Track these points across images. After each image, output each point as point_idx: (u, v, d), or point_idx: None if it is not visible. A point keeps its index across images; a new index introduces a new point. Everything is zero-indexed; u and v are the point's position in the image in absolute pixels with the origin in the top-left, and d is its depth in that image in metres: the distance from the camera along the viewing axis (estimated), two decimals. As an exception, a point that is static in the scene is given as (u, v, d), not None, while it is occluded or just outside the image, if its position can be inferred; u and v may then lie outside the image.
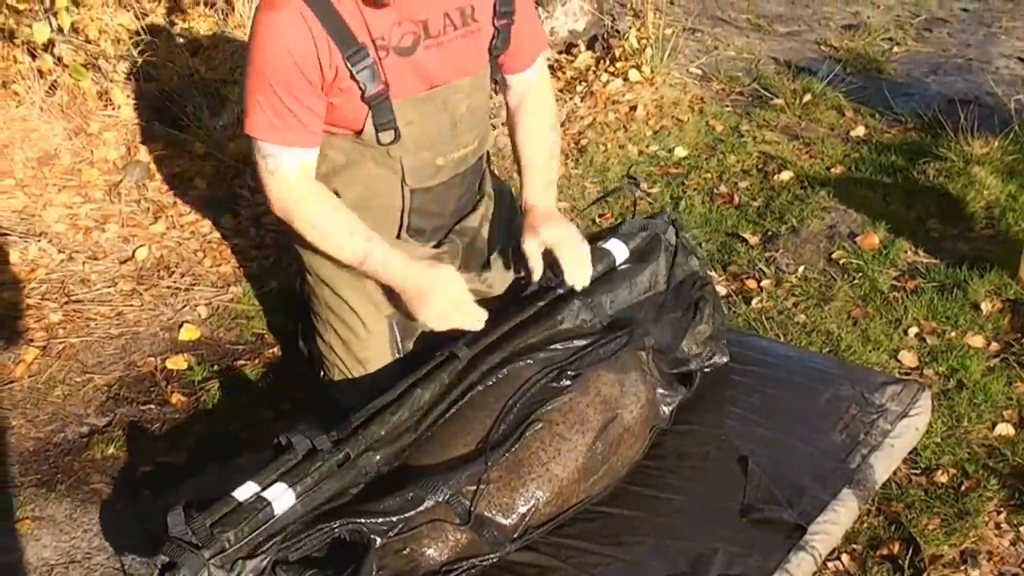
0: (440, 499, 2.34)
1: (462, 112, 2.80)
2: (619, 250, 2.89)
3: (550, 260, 2.75)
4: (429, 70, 2.68)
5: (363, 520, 2.27)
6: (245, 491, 2.26)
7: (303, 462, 2.34)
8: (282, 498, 2.26)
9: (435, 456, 2.45)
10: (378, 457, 2.41)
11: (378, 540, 2.27)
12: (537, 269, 2.75)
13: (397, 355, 2.95)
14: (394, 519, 2.30)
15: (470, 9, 2.70)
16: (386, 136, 2.68)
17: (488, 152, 3.11)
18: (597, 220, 4.22)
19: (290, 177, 2.64)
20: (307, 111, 2.57)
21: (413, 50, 2.62)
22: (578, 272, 2.71)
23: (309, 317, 3.06)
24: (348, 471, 2.37)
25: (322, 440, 2.37)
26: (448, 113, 2.77)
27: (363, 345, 2.92)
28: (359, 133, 2.68)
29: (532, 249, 2.75)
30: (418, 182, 2.82)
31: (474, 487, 2.38)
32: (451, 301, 2.65)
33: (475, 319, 2.64)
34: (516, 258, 2.98)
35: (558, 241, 2.74)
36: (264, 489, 2.27)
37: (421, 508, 2.32)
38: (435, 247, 2.99)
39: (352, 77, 2.55)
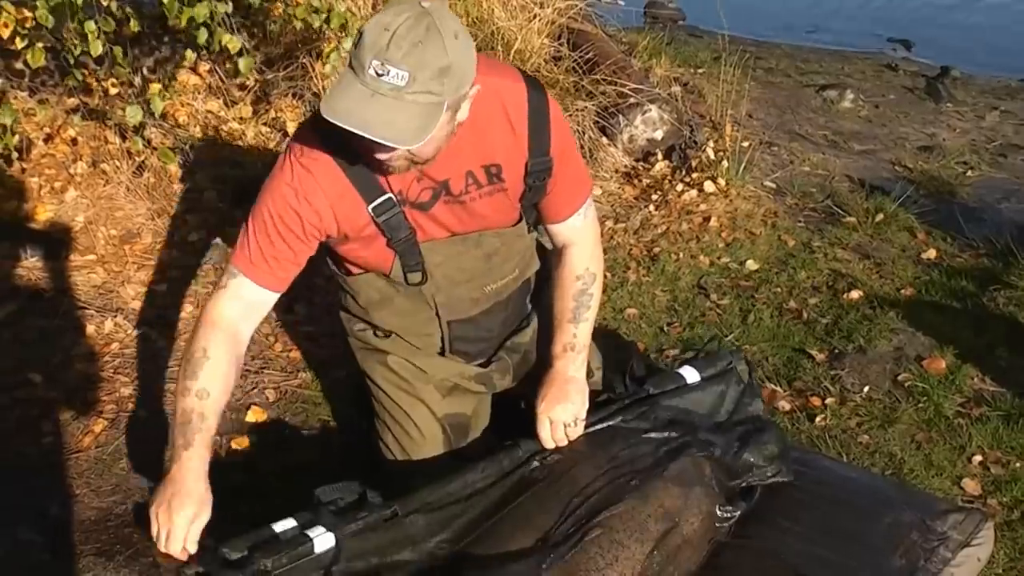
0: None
1: (498, 246, 2.79)
2: (690, 375, 2.93)
3: None
4: (449, 224, 2.66)
5: None
6: (284, 525, 2.35)
7: (350, 510, 2.40)
8: (323, 538, 2.31)
9: (492, 548, 2.46)
10: (423, 522, 2.45)
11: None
12: (543, 440, 2.71)
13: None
14: None
15: (496, 168, 2.62)
16: (414, 277, 2.70)
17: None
18: (666, 328, 4.24)
19: (229, 303, 2.55)
20: (289, 257, 2.56)
21: (431, 206, 2.60)
22: (546, 434, 2.69)
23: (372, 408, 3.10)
24: (394, 529, 2.42)
25: (373, 494, 2.44)
26: (482, 248, 2.76)
27: (418, 448, 2.94)
28: (388, 274, 2.70)
29: (534, 416, 2.73)
30: (453, 315, 2.84)
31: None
32: (186, 518, 2.35)
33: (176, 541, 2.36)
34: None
35: (550, 412, 2.71)
36: (305, 528, 2.33)
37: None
38: (483, 365, 3.01)
39: (377, 226, 2.55)
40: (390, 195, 2.52)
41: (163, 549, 2.32)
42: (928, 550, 2.75)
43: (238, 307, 2.56)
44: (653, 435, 2.76)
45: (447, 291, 2.76)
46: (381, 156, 2.32)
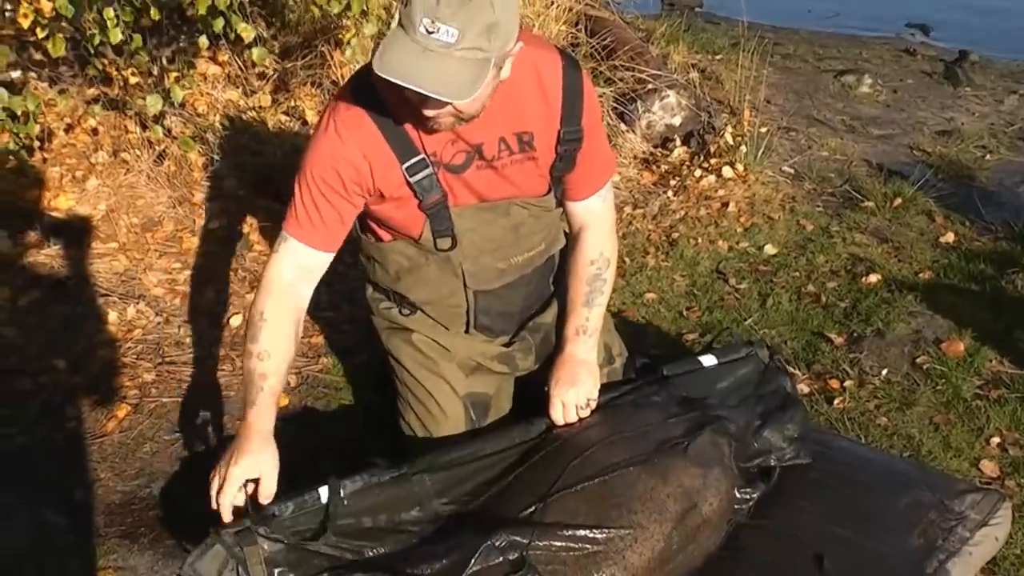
0: (498, 543, 2.38)
1: (526, 217, 2.82)
2: (709, 362, 2.97)
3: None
4: (480, 189, 2.69)
5: (426, 572, 2.37)
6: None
7: (358, 471, 2.51)
8: (329, 488, 2.44)
9: (497, 510, 2.54)
10: (430, 481, 2.54)
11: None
12: (555, 419, 2.77)
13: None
14: (452, 565, 2.37)
15: (528, 136, 2.66)
16: (443, 242, 2.72)
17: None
18: (684, 313, 4.25)
19: (284, 266, 2.63)
20: (335, 217, 2.60)
21: (464, 169, 2.63)
22: (558, 415, 2.76)
23: (395, 389, 3.12)
24: (401, 486, 2.52)
25: (381, 460, 2.56)
26: (510, 219, 2.79)
27: (440, 426, 2.96)
28: (418, 239, 2.73)
29: (547, 396, 2.80)
30: (480, 285, 2.86)
31: (530, 537, 2.42)
32: (244, 470, 2.42)
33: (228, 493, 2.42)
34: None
35: (562, 394, 2.77)
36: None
37: (481, 551, 2.37)
38: (507, 345, 3.04)
39: (409, 186, 2.59)
40: (423, 156, 2.56)
41: (213, 503, 2.39)
42: (946, 529, 2.77)
43: (292, 269, 2.62)
44: (666, 410, 2.79)
45: (475, 259, 2.79)
46: (429, 112, 2.35)
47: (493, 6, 2.21)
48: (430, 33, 2.18)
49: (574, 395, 2.77)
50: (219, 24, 4.29)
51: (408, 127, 2.53)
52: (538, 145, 2.67)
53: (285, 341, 2.59)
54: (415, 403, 2.99)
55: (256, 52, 4.55)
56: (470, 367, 2.98)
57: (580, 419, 2.78)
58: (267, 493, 2.41)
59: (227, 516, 2.36)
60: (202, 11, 4.20)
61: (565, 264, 3.00)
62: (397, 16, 2.32)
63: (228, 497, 2.37)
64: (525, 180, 2.73)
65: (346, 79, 2.90)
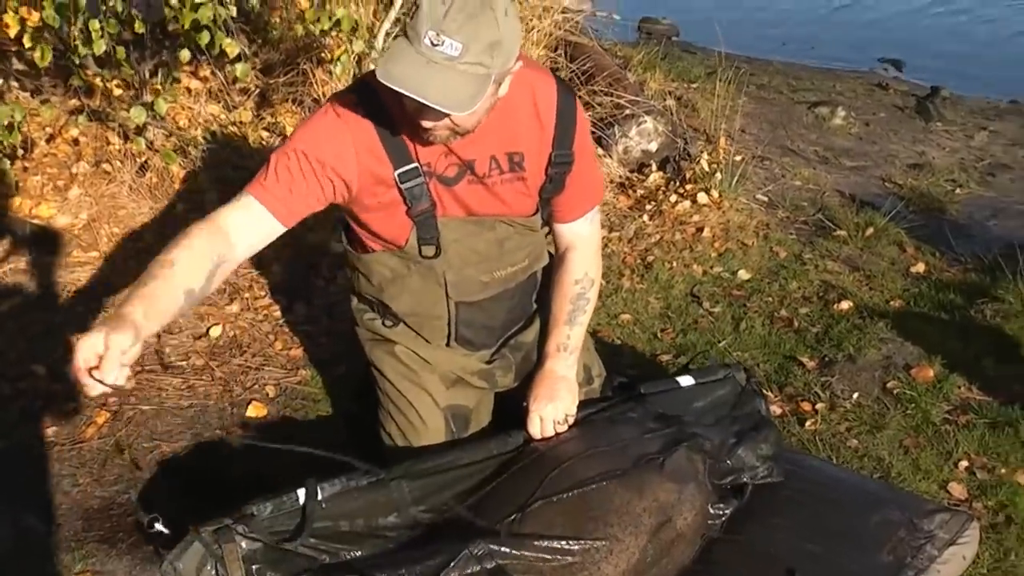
0: (476, 551, 2.41)
1: (511, 234, 2.86)
2: (687, 382, 3.05)
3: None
4: (470, 204, 2.74)
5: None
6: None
7: (337, 475, 2.56)
8: (306, 490, 2.50)
9: (476, 517, 2.57)
10: (407, 487, 2.59)
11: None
12: (532, 434, 2.81)
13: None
14: (430, 571, 2.40)
15: (519, 156, 2.71)
16: (428, 250, 2.75)
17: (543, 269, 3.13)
18: (659, 334, 4.30)
19: (232, 215, 2.52)
20: (303, 193, 2.56)
21: (455, 183, 2.69)
22: (535, 429, 2.81)
23: (374, 400, 3.16)
24: (379, 491, 2.56)
25: (360, 463, 2.59)
26: (495, 233, 2.83)
27: (420, 436, 3.00)
28: (403, 246, 2.76)
29: (525, 410, 2.84)
30: (462, 296, 2.89)
31: (507, 546, 2.46)
32: (91, 341, 2.19)
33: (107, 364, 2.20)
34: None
35: (540, 409, 2.81)
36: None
37: (459, 559, 2.40)
38: (488, 362, 3.08)
39: (400, 192, 2.63)
40: (417, 165, 2.61)
41: (97, 375, 2.16)
42: (915, 547, 2.82)
43: (238, 218, 2.53)
44: (642, 426, 2.85)
45: (458, 270, 2.83)
46: (427, 123, 2.40)
47: (498, 23, 2.27)
48: (435, 45, 2.23)
49: (552, 410, 2.82)
50: (204, 38, 4.32)
51: (405, 136, 2.58)
52: (528, 166, 2.73)
53: (196, 264, 2.42)
54: (396, 413, 3.03)
55: (239, 68, 4.60)
56: (451, 380, 3.02)
57: (557, 434, 2.83)
58: (106, 368, 2.15)
59: (88, 385, 2.17)
60: (187, 26, 4.24)
61: (549, 282, 3.05)
62: (401, 27, 2.36)
63: (112, 369, 2.16)
64: (514, 199, 2.78)
65: (334, 92, 2.93)
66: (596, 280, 3.02)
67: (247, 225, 2.54)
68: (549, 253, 3.11)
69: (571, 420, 2.85)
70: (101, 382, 2.16)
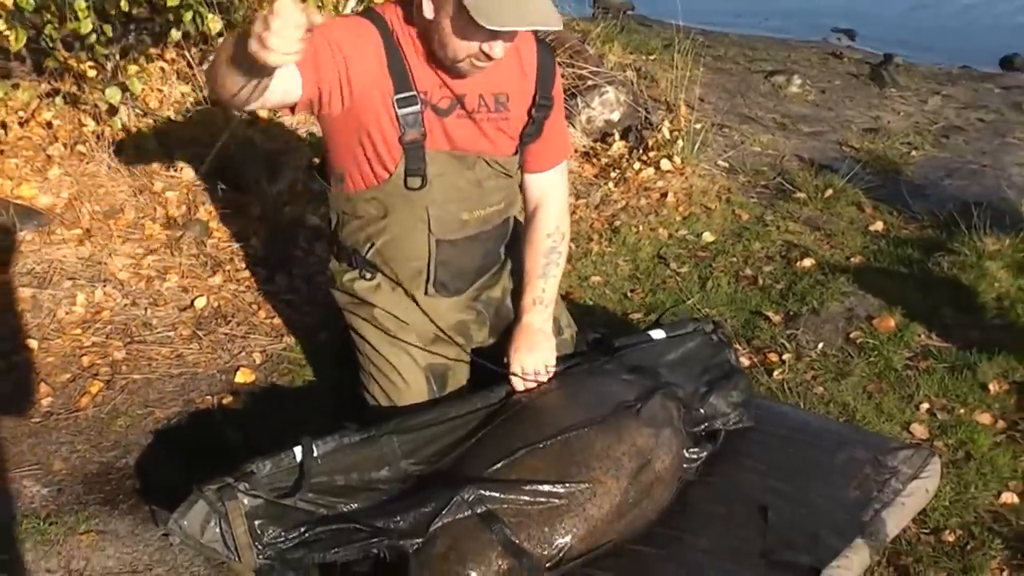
0: (467, 497, 2.56)
1: (489, 174, 3.00)
2: (658, 335, 3.21)
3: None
4: (456, 137, 2.89)
5: (398, 523, 2.55)
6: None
7: (330, 434, 2.70)
8: (303, 447, 2.63)
9: (462, 469, 2.71)
10: (397, 442, 2.74)
11: (415, 545, 2.51)
12: (515, 386, 2.99)
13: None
14: (423, 517, 2.56)
15: (504, 97, 2.92)
16: (414, 182, 2.87)
17: (516, 220, 3.27)
18: (629, 295, 4.44)
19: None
20: (320, 65, 2.59)
21: (447, 114, 2.85)
22: (517, 380, 2.98)
23: (355, 365, 3.27)
24: (370, 447, 2.71)
25: (351, 424, 2.75)
26: (475, 173, 2.97)
27: (402, 396, 3.11)
28: (390, 175, 2.88)
29: (507, 363, 3.02)
30: (443, 233, 3.00)
31: (496, 492, 2.61)
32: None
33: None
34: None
35: (521, 360, 3.01)
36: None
37: (451, 505, 2.55)
38: (462, 314, 3.20)
39: (396, 118, 2.77)
40: (415, 92, 2.77)
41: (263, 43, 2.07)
42: (880, 482, 2.99)
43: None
44: (618, 377, 3.00)
45: (441, 205, 2.95)
46: (498, 52, 2.66)
47: None
48: None
49: (532, 361, 2.98)
50: (188, 16, 4.42)
51: (406, 63, 2.76)
52: (512, 107, 2.93)
53: None
54: (378, 375, 3.13)
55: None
56: (429, 338, 3.14)
57: (539, 385, 2.98)
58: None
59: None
60: (173, 2, 4.34)
61: (522, 239, 3.19)
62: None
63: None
64: (497, 137, 2.95)
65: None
66: (566, 235, 3.18)
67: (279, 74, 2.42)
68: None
69: (551, 370, 3.00)
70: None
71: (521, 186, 3.17)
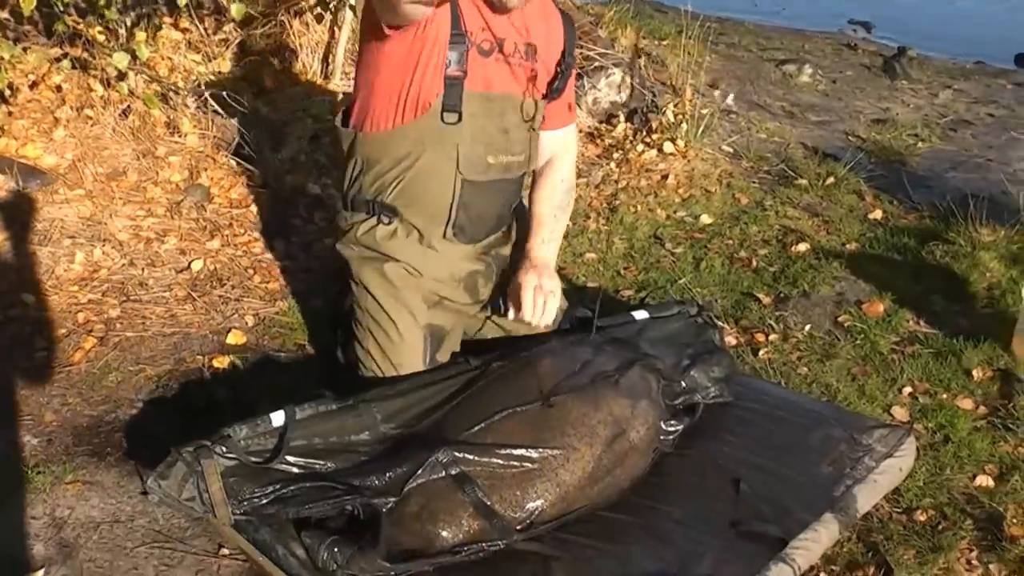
0: (442, 459, 2.62)
1: (515, 122, 3.15)
2: (641, 316, 3.30)
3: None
4: (493, 80, 3.05)
5: (373, 483, 2.61)
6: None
7: (308, 401, 2.76)
8: (279, 415, 2.70)
9: (440, 432, 2.77)
10: (378, 412, 2.80)
11: (389, 503, 2.57)
12: (524, 304, 3.10)
13: (427, 365, 3.21)
14: (398, 477, 2.62)
15: (532, 49, 3.11)
16: (450, 117, 3.00)
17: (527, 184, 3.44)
18: (622, 272, 4.49)
19: None
20: None
21: (488, 55, 3.02)
22: (537, 312, 3.09)
23: (350, 327, 3.33)
24: (350, 414, 2.77)
25: (329, 393, 2.82)
26: (504, 119, 3.12)
27: (397, 351, 3.18)
28: (428, 107, 3.00)
29: (516, 287, 3.14)
30: (470, 173, 3.10)
31: (471, 454, 2.67)
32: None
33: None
34: (503, 293, 3.27)
35: (535, 284, 3.12)
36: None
37: (426, 466, 2.61)
38: (473, 264, 3.29)
39: (445, 54, 2.94)
40: (464, 32, 2.97)
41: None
42: (854, 459, 3.03)
43: None
44: (599, 348, 3.05)
45: (470, 145, 3.07)
46: None
47: None
48: None
49: (542, 284, 3.12)
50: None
51: (459, 4, 2.95)
52: (540, 59, 3.16)
53: None
54: (376, 329, 3.21)
55: (235, 8, 4.73)
56: (432, 301, 3.23)
57: (544, 313, 3.09)
58: None
59: None
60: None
61: (533, 188, 3.39)
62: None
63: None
64: (527, 84, 3.14)
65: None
66: (573, 187, 3.46)
67: None
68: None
69: (558, 296, 3.14)
70: None
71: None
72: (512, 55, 3.08)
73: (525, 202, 3.45)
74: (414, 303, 3.19)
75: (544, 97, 3.22)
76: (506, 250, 3.38)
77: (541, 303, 3.07)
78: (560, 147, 3.40)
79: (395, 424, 2.81)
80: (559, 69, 3.22)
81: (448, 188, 3.11)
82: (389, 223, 3.18)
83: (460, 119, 3.01)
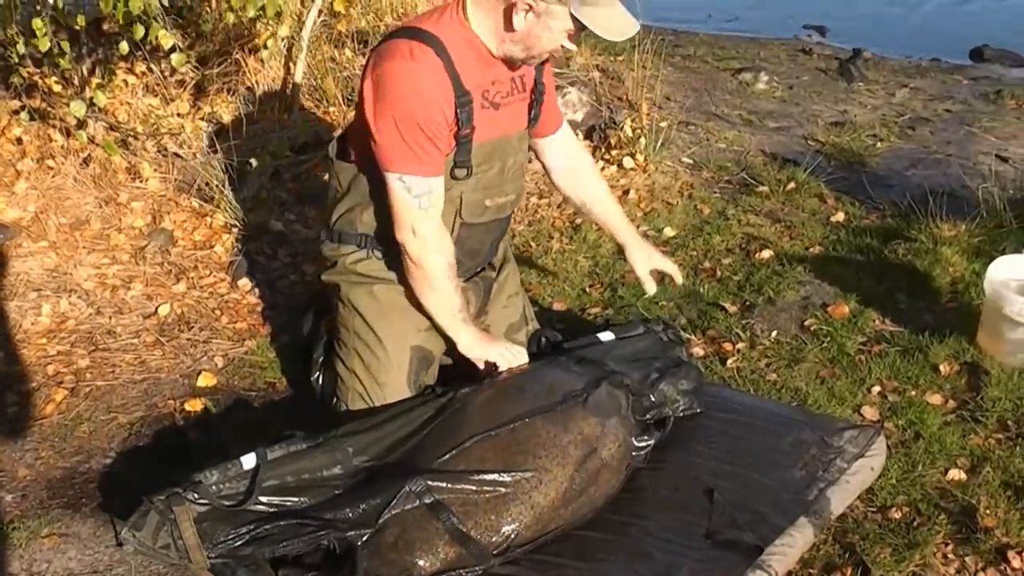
0: (415, 488, 2.64)
1: (509, 164, 3.25)
2: (607, 338, 3.36)
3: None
4: (496, 124, 3.15)
5: (347, 516, 2.64)
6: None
7: (279, 441, 2.80)
8: (250, 457, 2.74)
9: (412, 461, 2.80)
10: (350, 446, 2.82)
11: (364, 535, 2.60)
12: (671, 269, 3.78)
13: (412, 386, 3.28)
14: (372, 508, 2.65)
15: (519, 79, 3.22)
16: (460, 172, 3.12)
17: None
18: (588, 290, 4.50)
19: (428, 218, 3.05)
20: (439, 150, 3.04)
21: (491, 104, 3.11)
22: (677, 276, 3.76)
23: (330, 348, 3.42)
24: (320, 451, 2.80)
25: (298, 433, 2.85)
26: (501, 162, 3.21)
27: (383, 369, 3.25)
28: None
29: (656, 262, 3.77)
30: (469, 217, 3.22)
31: (443, 482, 2.69)
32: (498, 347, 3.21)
33: (515, 354, 3.20)
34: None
35: (667, 261, 3.78)
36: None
37: (399, 497, 2.64)
38: (465, 283, 3.35)
39: (456, 117, 3.01)
40: (468, 91, 3.04)
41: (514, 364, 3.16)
42: (826, 462, 3.06)
43: (432, 213, 3.07)
44: (566, 368, 3.09)
45: (472, 191, 3.20)
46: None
47: None
48: None
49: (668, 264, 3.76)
50: (139, 32, 4.48)
51: (457, 66, 3.00)
52: (524, 86, 3.28)
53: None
54: (363, 349, 3.27)
55: (175, 58, 4.76)
56: (424, 326, 3.28)
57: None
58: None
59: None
60: (121, 20, 4.39)
61: (588, 190, 3.75)
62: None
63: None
64: (519, 115, 3.31)
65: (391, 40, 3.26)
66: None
67: (435, 207, 3.09)
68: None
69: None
70: None
71: (544, 154, 3.61)
72: (510, 94, 3.20)
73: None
74: (402, 324, 3.26)
75: (530, 122, 3.36)
76: (491, 273, 3.50)
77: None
78: (569, 144, 3.65)
79: (367, 457, 2.83)
80: (533, 97, 3.32)
81: (447, 229, 3.19)
82: (381, 257, 3.26)
83: (469, 173, 3.13)
